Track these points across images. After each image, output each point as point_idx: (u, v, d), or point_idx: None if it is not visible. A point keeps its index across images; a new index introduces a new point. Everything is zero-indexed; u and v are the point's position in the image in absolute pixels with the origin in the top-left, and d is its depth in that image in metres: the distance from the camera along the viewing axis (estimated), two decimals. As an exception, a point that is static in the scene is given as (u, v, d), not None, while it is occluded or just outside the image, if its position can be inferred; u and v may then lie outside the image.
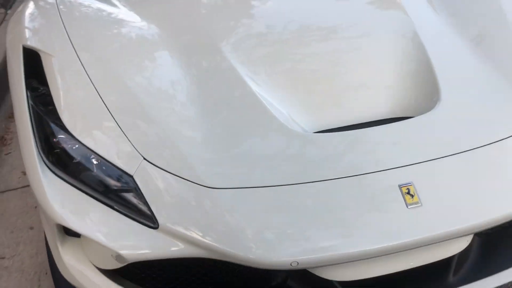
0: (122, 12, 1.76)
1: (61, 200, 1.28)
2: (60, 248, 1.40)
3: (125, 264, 1.26)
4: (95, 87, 1.43)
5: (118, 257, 1.24)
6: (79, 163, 1.30)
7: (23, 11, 1.72)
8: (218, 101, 1.47)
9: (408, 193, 1.27)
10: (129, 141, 1.31)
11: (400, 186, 1.27)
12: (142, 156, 1.29)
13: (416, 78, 1.61)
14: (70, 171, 1.31)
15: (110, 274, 1.37)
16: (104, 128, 1.34)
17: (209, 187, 1.25)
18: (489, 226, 1.30)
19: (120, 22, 1.71)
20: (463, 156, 1.35)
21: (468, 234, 1.34)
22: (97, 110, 1.38)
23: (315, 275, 1.34)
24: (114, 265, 1.31)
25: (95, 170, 1.29)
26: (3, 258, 1.87)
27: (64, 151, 1.33)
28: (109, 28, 1.67)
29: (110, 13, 1.74)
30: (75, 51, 1.52)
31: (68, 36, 1.57)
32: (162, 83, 1.50)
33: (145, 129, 1.35)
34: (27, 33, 1.59)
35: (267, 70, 1.58)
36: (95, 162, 1.29)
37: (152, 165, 1.27)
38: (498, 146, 1.38)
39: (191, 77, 1.53)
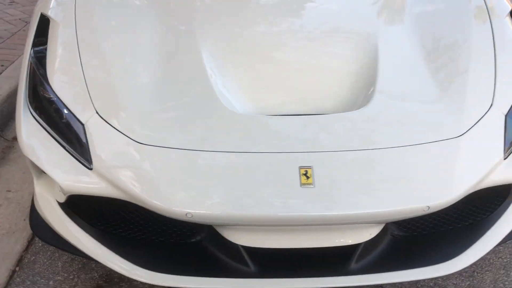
0: None
1: (30, 136, 1.58)
2: (35, 182, 1.70)
3: (66, 195, 1.53)
4: (78, 49, 1.73)
5: (62, 189, 1.51)
6: (50, 109, 1.60)
7: None
8: (175, 77, 1.71)
9: (305, 174, 1.42)
10: (90, 95, 1.59)
11: (300, 168, 1.43)
12: (96, 110, 1.56)
13: (359, 80, 1.75)
14: (43, 115, 1.60)
15: (64, 207, 1.63)
16: (74, 82, 1.64)
17: (139, 143, 1.48)
18: (374, 220, 1.45)
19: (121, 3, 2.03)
20: (368, 153, 1.48)
21: (360, 223, 1.49)
22: (74, 68, 1.68)
23: (224, 237, 1.52)
24: (63, 198, 1.58)
25: (59, 116, 1.58)
26: (9, 191, 2.23)
27: (42, 98, 1.64)
28: (110, 4, 2.00)
29: None
30: (75, 22, 1.83)
31: (75, 10, 1.88)
32: (136, 54, 1.78)
33: (105, 87, 1.63)
34: (47, 3, 1.93)
35: (228, 62, 1.80)
36: (60, 109, 1.58)
37: (101, 119, 1.54)
38: (402, 150, 1.49)
39: (162, 54, 1.79)
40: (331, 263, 1.55)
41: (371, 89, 1.69)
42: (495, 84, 1.70)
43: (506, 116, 1.63)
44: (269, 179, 1.42)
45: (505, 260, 1.95)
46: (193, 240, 1.59)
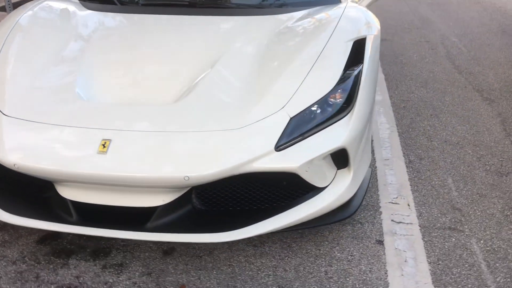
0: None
1: None
2: None
3: None
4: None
5: None
6: None
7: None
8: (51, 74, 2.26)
9: (103, 145, 1.84)
10: None
11: (102, 139, 1.86)
12: None
13: (187, 84, 2.17)
14: None
15: None
16: None
17: (5, 115, 1.97)
18: (147, 184, 1.83)
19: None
20: (161, 135, 1.90)
21: (141, 186, 1.86)
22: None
23: (58, 193, 1.95)
24: None
25: None
26: None
27: None
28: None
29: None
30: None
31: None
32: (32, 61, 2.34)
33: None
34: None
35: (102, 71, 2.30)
36: None
37: None
38: (188, 134, 1.90)
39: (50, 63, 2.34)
40: (133, 220, 1.91)
41: (194, 86, 2.11)
42: (296, 91, 2.04)
43: (291, 118, 1.95)
44: (79, 146, 1.88)
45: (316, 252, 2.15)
46: (46, 195, 1.99)
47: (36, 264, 2.03)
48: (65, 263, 2.03)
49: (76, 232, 1.91)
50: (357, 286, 1.94)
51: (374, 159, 2.90)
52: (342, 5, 2.79)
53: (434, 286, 1.93)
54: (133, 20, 2.73)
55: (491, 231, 2.28)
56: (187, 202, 1.95)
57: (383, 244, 2.17)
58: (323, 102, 2.02)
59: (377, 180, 2.68)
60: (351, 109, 2.04)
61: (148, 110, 2.02)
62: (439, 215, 2.39)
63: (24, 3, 2.85)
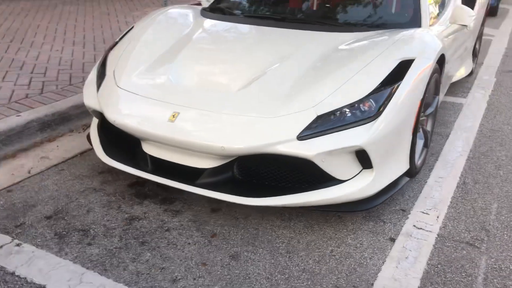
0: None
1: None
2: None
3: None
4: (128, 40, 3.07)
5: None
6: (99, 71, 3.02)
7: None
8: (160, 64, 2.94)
9: (173, 115, 2.46)
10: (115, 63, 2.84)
11: (173, 111, 2.49)
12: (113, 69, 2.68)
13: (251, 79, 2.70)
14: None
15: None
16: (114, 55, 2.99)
17: (118, 87, 2.68)
18: (197, 148, 2.38)
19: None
20: (217, 115, 2.44)
21: (210, 154, 2.39)
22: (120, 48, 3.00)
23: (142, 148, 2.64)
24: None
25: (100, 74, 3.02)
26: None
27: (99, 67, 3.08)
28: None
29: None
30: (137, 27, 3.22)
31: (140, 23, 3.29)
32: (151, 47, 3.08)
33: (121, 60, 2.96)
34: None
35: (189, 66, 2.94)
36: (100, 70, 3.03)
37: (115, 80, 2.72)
38: (239, 117, 2.41)
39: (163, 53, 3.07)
40: (187, 176, 2.51)
41: (253, 81, 2.63)
42: (330, 95, 2.44)
43: (318, 116, 2.35)
44: (158, 114, 2.51)
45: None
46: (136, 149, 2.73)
47: (121, 199, 2.74)
48: (140, 202, 2.70)
49: (147, 178, 2.56)
50: (352, 266, 2.25)
51: (429, 175, 3.08)
52: (416, 29, 3.05)
53: (420, 281, 2.15)
54: (229, 27, 3.34)
55: (509, 253, 2.36)
56: (228, 170, 2.47)
57: (394, 242, 2.42)
58: (352, 107, 2.37)
59: (420, 192, 2.88)
60: (377, 117, 2.35)
61: (213, 94, 2.58)
62: (463, 230, 2.53)
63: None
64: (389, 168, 2.52)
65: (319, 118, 2.34)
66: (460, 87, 4.97)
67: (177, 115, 2.45)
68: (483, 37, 7.38)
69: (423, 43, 2.83)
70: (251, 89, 2.58)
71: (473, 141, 3.66)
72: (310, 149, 2.27)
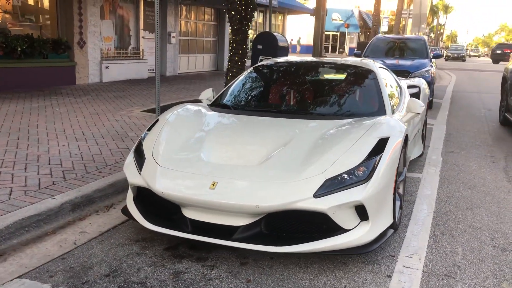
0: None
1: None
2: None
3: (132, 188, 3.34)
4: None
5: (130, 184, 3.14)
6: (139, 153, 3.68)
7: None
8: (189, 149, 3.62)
9: (213, 184, 3.10)
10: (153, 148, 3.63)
11: (212, 181, 3.16)
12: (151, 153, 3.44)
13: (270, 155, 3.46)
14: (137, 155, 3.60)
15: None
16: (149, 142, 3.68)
17: (159, 165, 3.29)
18: (234, 209, 3.05)
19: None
20: (247, 183, 3.18)
21: (244, 213, 3.05)
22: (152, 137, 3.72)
23: (182, 212, 3.23)
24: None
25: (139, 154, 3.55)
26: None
27: (137, 151, 3.74)
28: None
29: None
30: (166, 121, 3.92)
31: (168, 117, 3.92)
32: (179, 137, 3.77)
33: (158, 147, 3.64)
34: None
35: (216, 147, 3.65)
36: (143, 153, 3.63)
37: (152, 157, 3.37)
38: (264, 183, 3.17)
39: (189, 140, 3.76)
40: (224, 233, 3.12)
41: (271, 156, 3.39)
42: (333, 164, 3.23)
43: (326, 179, 3.10)
44: (199, 185, 3.19)
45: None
46: (175, 216, 3.28)
47: (162, 259, 3.26)
48: (179, 261, 3.24)
49: (189, 237, 3.13)
50: (363, 295, 2.88)
51: (406, 230, 3.82)
52: (384, 117, 3.97)
53: (417, 301, 2.79)
54: (239, 118, 4.17)
55: (477, 280, 3.07)
56: (257, 226, 3.11)
57: (391, 278, 3.08)
58: (350, 172, 3.14)
59: (402, 243, 3.60)
60: (369, 180, 3.12)
61: (240, 167, 3.30)
62: (441, 267, 3.24)
63: (169, 107, 4.47)
64: (380, 220, 3.24)
65: (327, 181, 3.08)
66: (416, 165, 5.93)
67: (216, 184, 3.11)
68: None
69: (392, 125, 3.73)
70: (269, 163, 3.31)
71: (434, 204, 4.49)
72: (324, 204, 2.97)
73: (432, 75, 10.97)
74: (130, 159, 3.70)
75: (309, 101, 4.57)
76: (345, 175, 3.14)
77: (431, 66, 11.22)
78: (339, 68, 5.16)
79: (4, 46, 10.13)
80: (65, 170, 4.77)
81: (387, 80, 4.95)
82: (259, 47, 11.87)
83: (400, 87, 5.48)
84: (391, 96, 4.75)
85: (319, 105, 4.49)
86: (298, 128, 3.80)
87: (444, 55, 43.07)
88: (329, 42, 48.47)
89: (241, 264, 3.22)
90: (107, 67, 12.69)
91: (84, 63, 12.06)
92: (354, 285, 2.98)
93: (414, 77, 10.51)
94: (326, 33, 35.76)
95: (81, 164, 4.99)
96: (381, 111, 4.21)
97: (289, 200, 2.99)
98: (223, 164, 3.36)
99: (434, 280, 3.06)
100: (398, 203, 3.78)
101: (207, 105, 4.60)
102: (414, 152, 5.62)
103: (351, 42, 49.18)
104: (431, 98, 10.68)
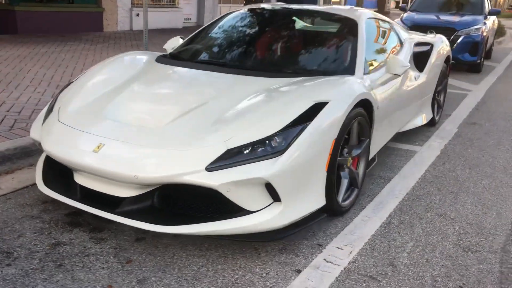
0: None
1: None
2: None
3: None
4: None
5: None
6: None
7: None
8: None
9: (98, 146, 2.66)
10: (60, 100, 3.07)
11: (99, 142, 2.69)
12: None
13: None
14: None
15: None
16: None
17: (60, 122, 2.69)
18: (113, 176, 2.56)
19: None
20: (137, 147, 2.65)
21: (127, 183, 2.56)
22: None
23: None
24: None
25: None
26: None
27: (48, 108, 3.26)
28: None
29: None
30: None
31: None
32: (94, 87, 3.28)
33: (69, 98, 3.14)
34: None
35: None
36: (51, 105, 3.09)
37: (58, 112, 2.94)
38: (156, 151, 2.61)
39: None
40: (109, 204, 2.68)
41: (179, 117, 2.87)
42: (242, 130, 2.65)
43: (228, 149, 2.54)
44: (85, 146, 2.71)
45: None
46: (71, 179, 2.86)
47: (54, 226, 2.90)
48: (70, 230, 2.86)
49: (74, 205, 2.72)
50: (250, 293, 2.36)
51: (358, 214, 3.19)
52: (345, 77, 3.27)
53: (310, 309, 2.23)
54: (178, 72, 3.60)
55: (408, 288, 2.44)
56: (148, 199, 2.63)
57: (299, 273, 2.52)
58: (262, 142, 2.55)
59: (343, 229, 2.99)
60: (282, 153, 2.52)
61: (141, 129, 2.77)
62: (371, 265, 2.62)
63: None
64: (301, 203, 2.65)
65: (229, 151, 2.53)
66: (421, 135, 5.13)
67: (101, 146, 2.65)
68: (458, 92, 7.62)
69: (341, 89, 3.03)
70: (176, 125, 2.78)
71: (413, 185, 3.78)
72: (215, 179, 2.43)
73: (484, 34, 9.64)
74: (45, 109, 3.31)
75: (267, 56, 3.91)
76: (257, 146, 2.57)
77: (485, 24, 9.85)
78: (319, 17, 4.40)
79: (28, -11, 10.04)
80: (19, 119, 4.51)
81: (376, 34, 4.15)
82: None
83: (402, 44, 4.64)
84: (377, 53, 3.98)
85: (276, 60, 3.81)
86: (232, 86, 3.20)
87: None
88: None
89: (136, 240, 2.79)
90: (137, 15, 12.38)
91: (113, 9, 11.81)
92: (248, 279, 2.46)
93: (461, 35, 9.35)
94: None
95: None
96: (349, 70, 3.48)
97: (175, 172, 2.47)
98: (124, 124, 2.86)
99: (351, 283, 2.46)
100: (345, 181, 3.15)
101: (162, 55, 4.08)
102: (415, 120, 4.83)
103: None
104: (479, 61, 9.46)
